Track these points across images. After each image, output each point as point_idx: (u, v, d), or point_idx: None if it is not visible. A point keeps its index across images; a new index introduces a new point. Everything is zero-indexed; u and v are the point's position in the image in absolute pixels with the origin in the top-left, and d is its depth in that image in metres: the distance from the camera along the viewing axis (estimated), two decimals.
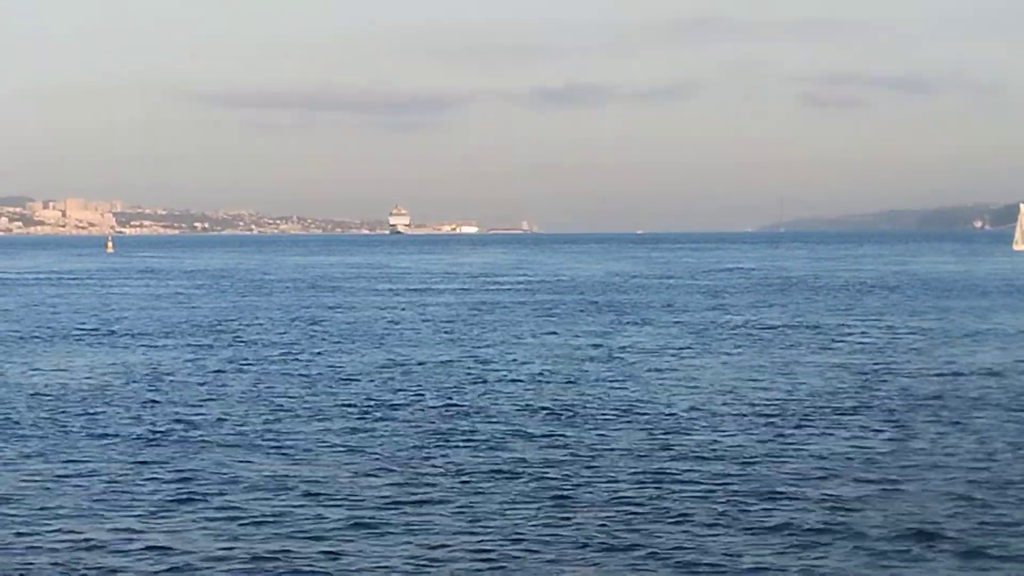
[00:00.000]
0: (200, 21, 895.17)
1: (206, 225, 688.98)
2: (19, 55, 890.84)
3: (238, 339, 52.08)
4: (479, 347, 47.97)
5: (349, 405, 32.72)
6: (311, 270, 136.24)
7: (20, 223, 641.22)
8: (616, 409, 31.69)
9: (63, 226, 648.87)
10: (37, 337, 53.71)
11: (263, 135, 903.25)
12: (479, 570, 17.83)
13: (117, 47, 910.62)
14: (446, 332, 54.73)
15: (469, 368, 40.96)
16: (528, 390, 35.45)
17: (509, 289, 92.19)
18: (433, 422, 29.89)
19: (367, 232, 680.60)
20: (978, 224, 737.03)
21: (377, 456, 25.69)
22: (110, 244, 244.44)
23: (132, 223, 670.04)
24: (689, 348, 47.23)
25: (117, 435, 28.32)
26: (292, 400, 33.79)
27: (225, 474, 23.96)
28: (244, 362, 43.19)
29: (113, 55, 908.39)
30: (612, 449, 26.21)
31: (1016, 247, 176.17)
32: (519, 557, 18.26)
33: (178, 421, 30.23)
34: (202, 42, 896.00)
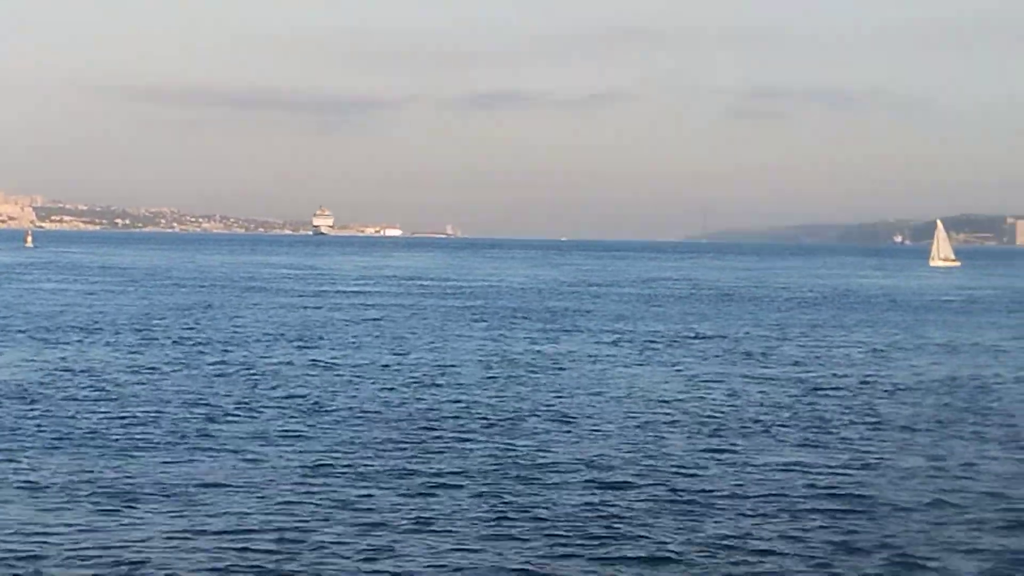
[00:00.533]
0: (128, 15, 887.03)
1: (127, 222, 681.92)
2: None
3: (171, 339, 51.72)
4: (413, 351, 47.99)
5: (284, 407, 32.66)
6: (239, 269, 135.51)
7: None
8: (553, 418, 31.87)
9: None
10: None
11: (188, 132, 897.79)
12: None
13: (42, 40, 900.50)
14: (377, 335, 54.68)
15: (406, 372, 40.99)
16: (465, 396, 35.55)
17: (440, 294, 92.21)
18: (372, 425, 29.92)
19: (290, 232, 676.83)
20: (898, 239, 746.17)
21: (316, 458, 25.69)
22: (30, 239, 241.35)
23: (52, 218, 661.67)
24: (622, 357, 47.52)
25: (57, 435, 28.12)
26: (228, 399, 33.66)
27: (167, 473, 23.88)
28: (180, 362, 42.95)
29: (37, 48, 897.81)
30: (552, 458, 26.38)
31: (932, 263, 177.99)
32: (462, 568, 18.33)
33: (114, 419, 30.07)
34: (129, 37, 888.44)
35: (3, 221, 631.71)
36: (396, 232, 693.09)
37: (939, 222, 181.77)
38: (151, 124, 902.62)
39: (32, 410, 31.34)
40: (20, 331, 53.82)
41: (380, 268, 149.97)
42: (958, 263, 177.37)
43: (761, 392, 37.38)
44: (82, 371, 39.66)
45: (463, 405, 33.60)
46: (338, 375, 39.84)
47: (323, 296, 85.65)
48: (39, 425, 29.13)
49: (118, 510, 21.01)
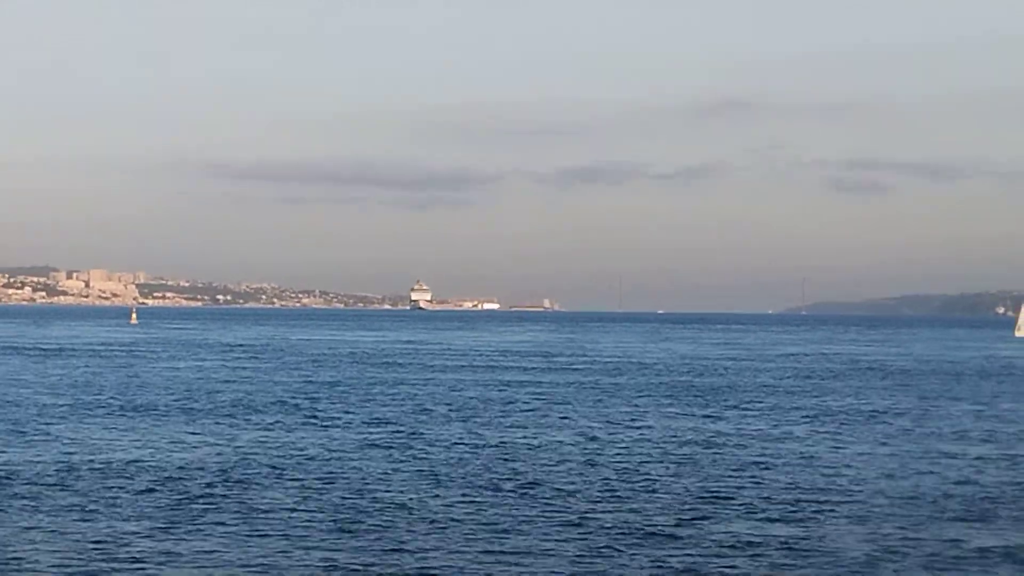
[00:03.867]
0: (229, 96, 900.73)
1: (228, 298, 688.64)
2: (46, 126, 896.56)
3: (341, 418, 50.53)
4: (593, 431, 46.37)
5: (476, 485, 31.20)
6: (362, 344, 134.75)
7: (43, 293, 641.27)
8: (773, 501, 30.09)
9: (86, 296, 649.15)
10: (135, 410, 52.24)
11: (287, 209, 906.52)
12: None
13: (143, 119, 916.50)
14: (552, 413, 53.13)
15: (603, 453, 39.38)
16: (672, 476, 33.84)
17: (581, 369, 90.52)
18: (587, 508, 28.31)
19: (389, 307, 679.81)
20: (1000, 310, 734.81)
21: (533, 539, 24.13)
22: (134, 316, 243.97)
23: (155, 294, 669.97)
24: (813, 434, 45.59)
25: (267, 513, 26.80)
26: (449, 483, 32.20)
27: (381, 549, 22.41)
28: (364, 441, 41.66)
29: (139, 127, 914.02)
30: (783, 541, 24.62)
31: (1018, 333, 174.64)
32: None
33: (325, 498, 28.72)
34: (229, 115, 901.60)
35: (107, 298, 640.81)
36: (494, 306, 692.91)
37: None
38: (251, 201, 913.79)
39: (225, 491, 30.07)
40: (187, 410, 52.93)
41: (504, 343, 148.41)
42: None
43: (969, 470, 35.34)
44: (274, 451, 38.46)
45: (673, 490, 31.88)
46: (534, 454, 38.28)
47: (466, 371, 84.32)
48: (287, 507, 27.82)
49: None
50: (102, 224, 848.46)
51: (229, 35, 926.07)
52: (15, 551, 23.46)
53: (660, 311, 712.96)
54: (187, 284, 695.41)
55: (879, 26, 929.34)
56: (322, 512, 27.89)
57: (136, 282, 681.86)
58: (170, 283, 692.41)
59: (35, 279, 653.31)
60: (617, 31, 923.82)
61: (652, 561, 23.15)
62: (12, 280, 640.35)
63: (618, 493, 31.14)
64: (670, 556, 23.57)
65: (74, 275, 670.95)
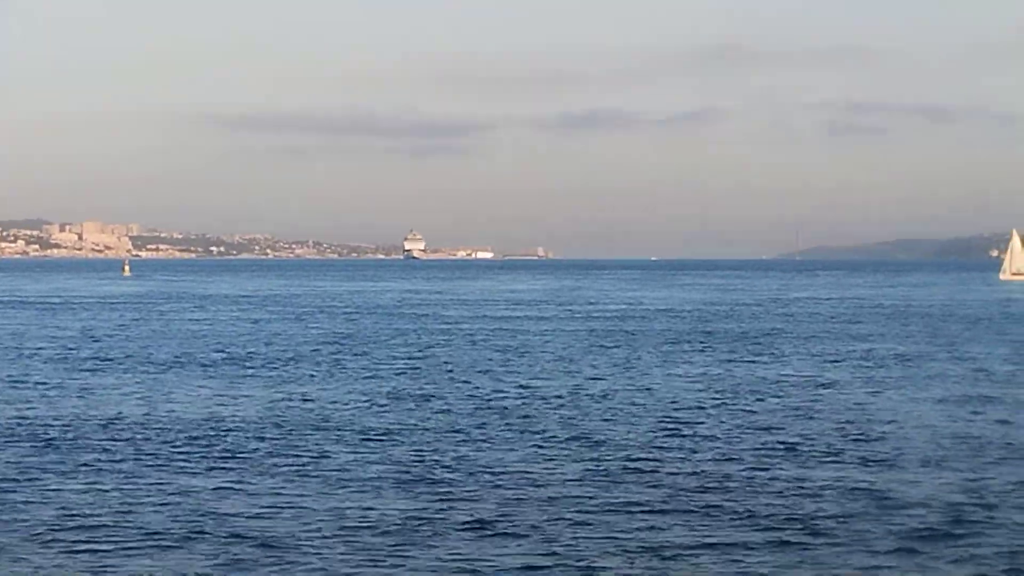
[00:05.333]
0: (222, 46, 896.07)
1: (221, 249, 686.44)
2: (38, 81, 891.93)
3: (372, 370, 50.14)
4: (627, 379, 46.02)
5: (531, 435, 30.84)
6: (368, 296, 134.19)
7: (37, 246, 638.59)
8: (841, 447, 29.76)
9: (79, 249, 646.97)
10: (157, 365, 51.84)
11: (280, 160, 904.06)
12: None
13: (134, 71, 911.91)
14: (586, 361, 52.77)
15: (643, 403, 39.02)
16: (729, 424, 33.49)
17: (598, 317, 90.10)
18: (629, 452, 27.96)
19: (383, 257, 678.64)
20: (994, 253, 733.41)
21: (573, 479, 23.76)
22: (127, 268, 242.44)
23: (148, 247, 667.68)
24: (856, 380, 45.29)
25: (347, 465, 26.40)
26: (503, 430, 31.80)
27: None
28: (399, 393, 41.26)
29: (130, 79, 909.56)
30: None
31: (1003, 276, 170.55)
32: None
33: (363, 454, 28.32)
34: (223, 66, 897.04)
35: (100, 251, 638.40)
36: (488, 255, 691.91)
37: (1015, 233, 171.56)
38: (244, 151, 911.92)
39: (281, 443, 29.65)
40: (206, 364, 52.52)
41: (513, 292, 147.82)
42: None
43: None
44: (306, 404, 38.06)
45: (730, 437, 31.54)
46: (581, 404, 37.92)
47: (485, 321, 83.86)
48: (343, 459, 27.41)
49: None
50: (95, 176, 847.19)
51: None
52: (96, 510, 23.05)
53: (653, 258, 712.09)
54: (180, 236, 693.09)
55: None
56: (382, 464, 27.49)
57: (129, 234, 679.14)
58: (163, 235, 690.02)
59: (28, 232, 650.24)
60: None
61: (737, 507, 22.78)
62: (5, 233, 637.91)
63: (678, 442, 30.79)
64: (756, 502, 23.20)
65: (67, 228, 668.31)
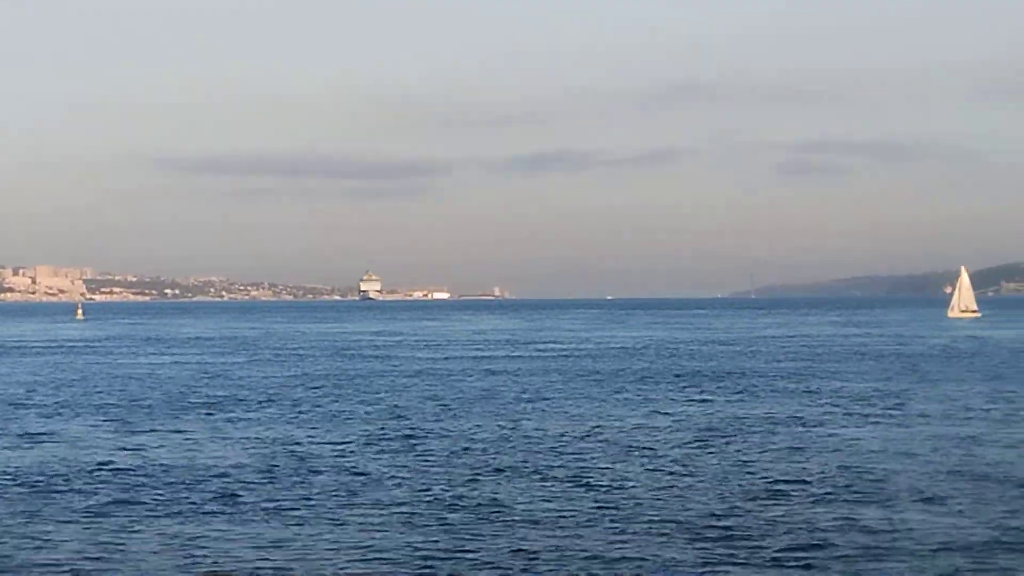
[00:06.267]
0: (174, 87, 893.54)
1: (176, 292, 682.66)
2: None
3: (339, 413, 49.56)
4: (606, 422, 45.63)
5: (524, 475, 30.35)
6: (331, 338, 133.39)
7: None
8: (833, 484, 29.47)
9: (33, 293, 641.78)
10: (157, 408, 51.04)
11: (234, 201, 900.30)
12: None
13: (87, 114, 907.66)
14: (565, 402, 52.33)
15: (643, 445, 38.64)
16: (718, 462, 33.14)
17: (565, 355, 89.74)
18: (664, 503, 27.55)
19: (339, 298, 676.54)
20: (948, 290, 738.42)
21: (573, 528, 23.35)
22: (80, 311, 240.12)
23: (103, 290, 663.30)
24: (838, 417, 45.08)
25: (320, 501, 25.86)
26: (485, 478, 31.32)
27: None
28: (378, 436, 40.71)
29: (82, 123, 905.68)
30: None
31: (950, 313, 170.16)
32: None
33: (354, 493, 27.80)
34: (174, 108, 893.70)
35: (53, 294, 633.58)
36: (444, 295, 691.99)
37: (963, 270, 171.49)
38: (198, 194, 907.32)
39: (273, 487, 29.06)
40: (184, 408, 51.77)
41: (480, 332, 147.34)
42: (978, 314, 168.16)
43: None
44: (292, 448, 37.44)
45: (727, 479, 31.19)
46: (566, 444, 37.49)
47: (455, 361, 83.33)
48: (335, 502, 26.83)
49: None
50: (48, 220, 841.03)
51: (178, 24, 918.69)
52: (78, 556, 22.41)
53: (609, 296, 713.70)
54: (135, 279, 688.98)
55: (831, 4, 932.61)
56: (376, 508, 26.96)
57: (83, 277, 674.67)
58: (118, 278, 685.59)
59: None
60: (565, 17, 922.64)
61: (741, 547, 22.39)
62: None
63: (671, 481, 30.40)
64: (759, 541, 22.83)
65: (20, 271, 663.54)
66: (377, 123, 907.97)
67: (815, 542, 23.18)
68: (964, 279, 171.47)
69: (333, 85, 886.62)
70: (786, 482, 30.14)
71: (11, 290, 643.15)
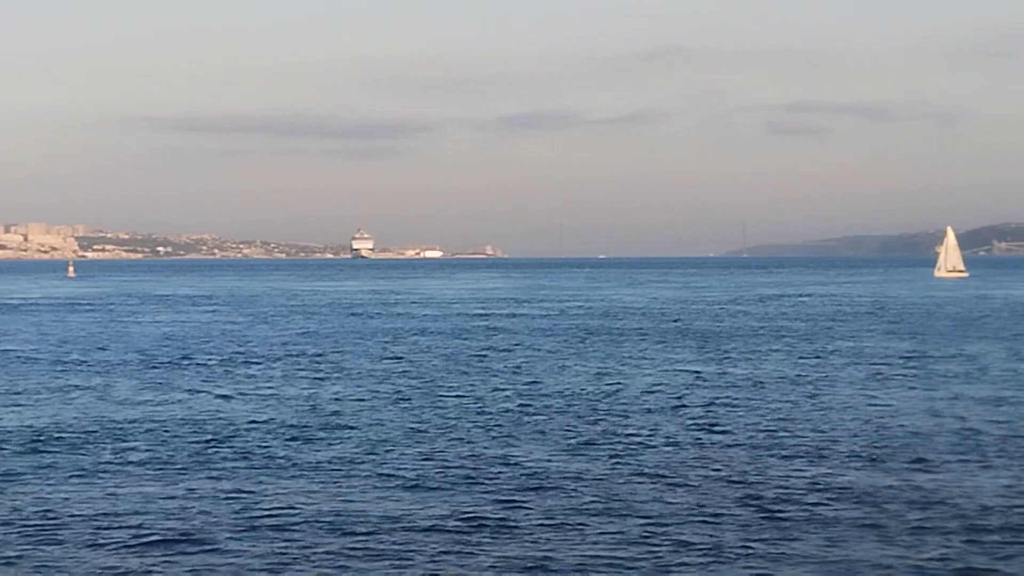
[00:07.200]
0: (164, 48, 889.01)
1: (168, 249, 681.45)
2: None
3: (356, 369, 49.09)
4: (637, 377, 45.21)
5: (546, 436, 29.92)
6: (329, 295, 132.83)
7: None
8: (871, 447, 29.09)
9: (25, 250, 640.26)
10: (169, 364, 50.56)
11: (227, 160, 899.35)
12: None
13: (79, 73, 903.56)
14: (579, 359, 51.89)
15: (667, 405, 38.23)
16: (749, 424, 32.75)
17: (581, 314, 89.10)
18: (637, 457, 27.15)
19: (331, 256, 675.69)
20: (938, 249, 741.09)
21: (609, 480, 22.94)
22: (71, 269, 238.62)
23: (95, 247, 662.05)
24: (860, 378, 44.68)
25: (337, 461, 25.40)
26: (482, 432, 30.88)
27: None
28: (397, 394, 40.27)
29: (74, 82, 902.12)
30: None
31: (937, 273, 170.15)
32: None
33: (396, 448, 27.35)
34: (165, 68, 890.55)
35: (46, 252, 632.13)
36: (436, 253, 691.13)
37: (949, 230, 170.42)
38: (190, 153, 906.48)
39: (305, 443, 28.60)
40: (195, 365, 51.29)
41: (478, 290, 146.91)
42: (965, 274, 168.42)
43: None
44: (312, 405, 36.99)
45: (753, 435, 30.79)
46: (591, 404, 37.08)
47: (460, 319, 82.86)
48: (357, 463, 26.38)
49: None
50: (40, 178, 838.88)
51: None
52: (94, 512, 21.96)
53: (601, 255, 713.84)
54: (127, 236, 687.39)
55: None
56: (397, 468, 26.51)
57: (75, 235, 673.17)
58: (110, 236, 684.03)
59: None
60: None
61: (788, 513, 22.00)
62: None
63: (706, 440, 30.03)
64: (802, 509, 22.44)
65: (12, 229, 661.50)
66: (363, 84, 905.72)
67: (874, 506, 22.80)
68: (950, 238, 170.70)
69: (320, 45, 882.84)
70: (819, 445, 29.76)
71: (3, 247, 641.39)
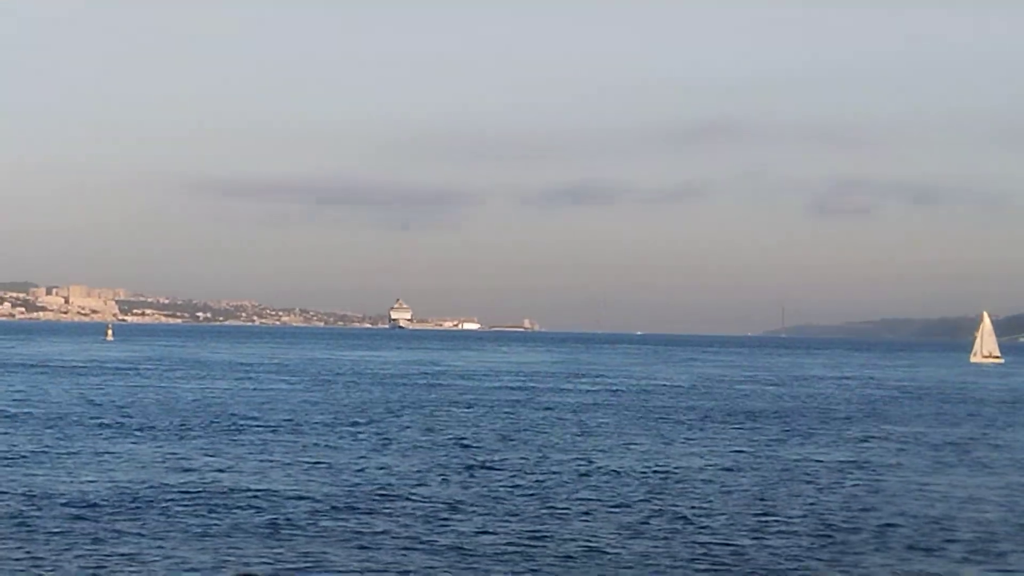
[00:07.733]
0: (209, 111, 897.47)
1: (208, 315, 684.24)
2: (27, 137, 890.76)
3: (406, 440, 49.27)
4: (687, 458, 45.23)
5: (601, 512, 29.98)
6: (374, 365, 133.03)
7: (23, 308, 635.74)
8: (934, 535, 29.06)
9: (65, 312, 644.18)
10: (229, 429, 50.88)
11: (268, 226, 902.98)
12: None
13: (123, 136, 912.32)
14: (623, 436, 51.92)
15: (715, 483, 38.23)
16: (803, 509, 32.73)
17: (624, 391, 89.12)
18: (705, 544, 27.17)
19: (369, 326, 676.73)
20: (976, 335, 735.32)
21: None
22: (110, 332, 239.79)
23: (135, 311, 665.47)
24: (911, 462, 44.58)
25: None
26: (559, 501, 30.97)
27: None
28: (452, 465, 40.40)
29: (118, 144, 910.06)
30: None
31: (973, 359, 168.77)
32: None
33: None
34: (210, 132, 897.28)
35: (86, 314, 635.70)
36: (474, 325, 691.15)
37: (985, 315, 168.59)
38: (232, 218, 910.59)
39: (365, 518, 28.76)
40: (241, 430, 51.57)
41: (521, 363, 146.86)
42: (1000, 360, 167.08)
43: None
44: (361, 475, 37.17)
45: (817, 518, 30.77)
46: (637, 481, 37.14)
47: (503, 391, 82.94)
48: (408, 535, 26.52)
49: None
50: (83, 239, 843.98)
51: (213, 49, 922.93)
52: None
53: (638, 332, 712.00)
54: (167, 301, 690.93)
55: (862, 45, 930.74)
56: (456, 539, 26.65)
57: (116, 298, 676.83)
58: (150, 300, 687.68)
59: (15, 295, 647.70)
60: (600, 54, 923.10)
61: None
62: None
63: (760, 523, 30.03)
64: None
65: (54, 291, 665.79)
66: (407, 153, 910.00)
67: None
68: (987, 324, 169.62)
69: (364, 114, 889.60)
70: (857, 528, 29.74)
71: (44, 309, 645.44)
